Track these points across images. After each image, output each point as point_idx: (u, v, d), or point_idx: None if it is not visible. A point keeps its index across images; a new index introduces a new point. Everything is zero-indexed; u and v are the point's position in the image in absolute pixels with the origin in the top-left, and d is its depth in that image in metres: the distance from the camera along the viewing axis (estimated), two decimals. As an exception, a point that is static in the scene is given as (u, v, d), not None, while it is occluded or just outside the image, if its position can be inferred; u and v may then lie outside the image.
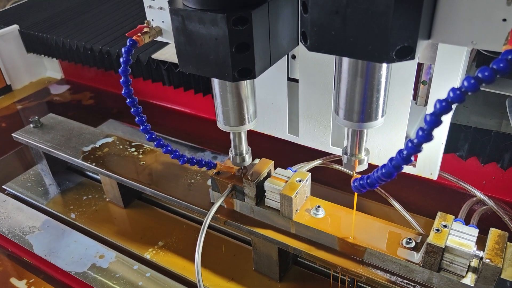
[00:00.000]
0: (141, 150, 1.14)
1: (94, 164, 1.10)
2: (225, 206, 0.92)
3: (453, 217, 0.72)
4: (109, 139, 1.20)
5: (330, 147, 0.90)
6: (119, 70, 0.77)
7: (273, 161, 0.89)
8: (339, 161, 1.00)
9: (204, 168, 0.90)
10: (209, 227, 0.84)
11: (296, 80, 0.88)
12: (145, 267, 1.02)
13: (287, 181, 0.84)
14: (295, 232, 0.84)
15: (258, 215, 0.88)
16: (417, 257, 0.74)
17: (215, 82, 0.72)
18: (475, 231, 0.70)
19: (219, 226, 1.08)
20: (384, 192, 0.96)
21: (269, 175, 0.88)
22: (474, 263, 0.71)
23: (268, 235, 0.85)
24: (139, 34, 0.80)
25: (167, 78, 1.46)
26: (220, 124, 0.77)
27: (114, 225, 1.14)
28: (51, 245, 1.08)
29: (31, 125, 1.25)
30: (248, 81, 0.72)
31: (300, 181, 0.83)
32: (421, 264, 0.72)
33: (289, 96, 0.90)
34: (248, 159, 0.85)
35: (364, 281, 0.77)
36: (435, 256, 0.69)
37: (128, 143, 1.18)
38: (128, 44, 0.77)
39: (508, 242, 0.68)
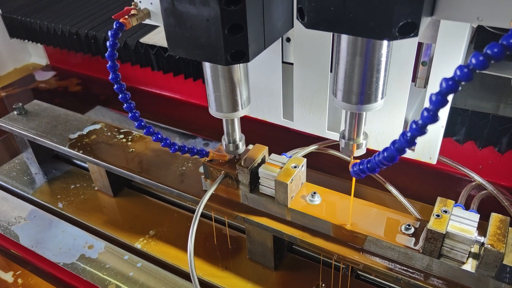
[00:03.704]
0: (130, 137, 1.11)
1: (81, 151, 1.07)
2: (218, 194, 0.89)
3: (453, 202, 0.70)
4: (97, 126, 1.16)
5: (326, 132, 0.88)
6: (106, 54, 0.74)
7: (267, 147, 0.87)
8: (335, 146, 0.98)
9: (196, 156, 0.88)
10: (202, 215, 0.82)
11: (290, 64, 0.85)
12: (136, 257, 0.99)
13: (282, 167, 0.82)
14: (290, 219, 0.82)
15: (252, 202, 0.86)
16: (416, 243, 0.72)
17: (207, 66, 0.69)
18: (476, 216, 0.68)
19: (211, 214, 1.05)
20: (381, 177, 0.94)
21: (263, 161, 0.85)
22: (475, 249, 0.69)
23: (262, 222, 0.83)
24: (126, 17, 0.75)
25: (156, 63, 1.42)
26: (212, 111, 0.74)
27: (103, 215, 1.11)
28: (38, 236, 1.05)
29: (15, 112, 1.21)
30: (241, 65, 0.69)
31: (295, 167, 0.81)
32: (421, 251, 0.70)
33: (284, 80, 0.87)
34: (241, 146, 0.82)
35: (361, 269, 0.75)
36: (436, 242, 0.67)
37: (116, 129, 1.14)
38: (114, 27, 0.73)
39: (510, 227, 0.67)
